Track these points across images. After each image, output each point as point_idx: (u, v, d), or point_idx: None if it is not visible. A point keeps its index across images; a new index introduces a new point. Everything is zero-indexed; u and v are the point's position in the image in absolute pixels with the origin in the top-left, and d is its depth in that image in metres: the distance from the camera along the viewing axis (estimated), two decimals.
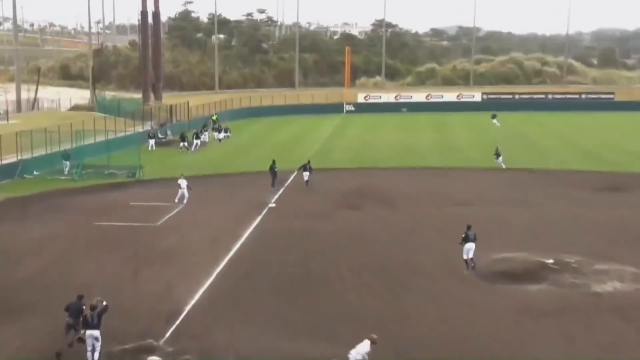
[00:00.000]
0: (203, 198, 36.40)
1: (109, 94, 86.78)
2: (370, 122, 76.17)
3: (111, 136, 52.58)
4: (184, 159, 51.93)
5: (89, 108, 77.81)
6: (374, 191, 38.68)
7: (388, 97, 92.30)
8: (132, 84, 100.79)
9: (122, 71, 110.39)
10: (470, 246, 25.03)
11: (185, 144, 55.92)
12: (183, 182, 36.02)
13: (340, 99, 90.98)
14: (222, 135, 62.61)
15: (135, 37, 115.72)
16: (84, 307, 18.54)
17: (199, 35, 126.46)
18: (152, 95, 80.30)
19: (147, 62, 79.86)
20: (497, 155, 47.54)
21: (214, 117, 70.54)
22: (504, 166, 47.02)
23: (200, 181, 40.36)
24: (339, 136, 65.57)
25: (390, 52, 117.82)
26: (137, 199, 37.06)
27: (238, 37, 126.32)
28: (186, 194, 35.77)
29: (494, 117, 71.10)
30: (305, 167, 41.16)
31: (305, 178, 40.62)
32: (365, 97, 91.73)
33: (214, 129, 64.18)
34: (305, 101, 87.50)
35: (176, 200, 35.50)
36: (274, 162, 40.92)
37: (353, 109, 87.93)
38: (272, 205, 36.10)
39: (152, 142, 56.62)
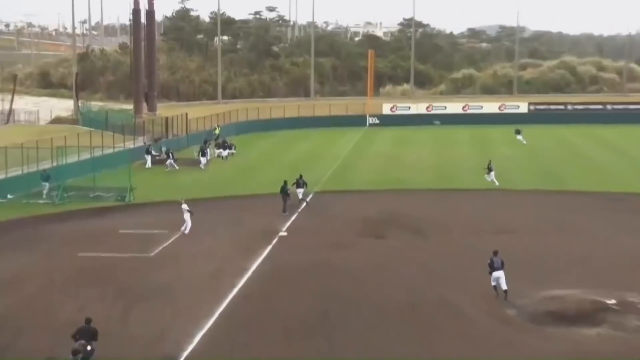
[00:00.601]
0: (204, 225, 36.47)
1: (95, 105, 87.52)
2: (398, 136, 76.22)
3: (97, 153, 52.88)
4: (181, 179, 52.13)
5: (72, 121, 78.61)
6: (401, 217, 38.72)
7: (418, 107, 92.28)
8: (122, 93, 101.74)
9: (110, 78, 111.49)
10: (497, 274, 25.55)
11: (171, 161, 56.31)
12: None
13: (362, 110, 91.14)
14: (226, 152, 62.83)
15: (126, 39, 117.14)
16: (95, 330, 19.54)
17: (200, 37, 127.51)
18: (145, 106, 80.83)
19: (139, 68, 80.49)
20: (489, 170, 48.48)
21: (216, 130, 70.87)
22: (497, 183, 48.03)
23: (201, 205, 40.41)
24: (360, 153, 65.67)
25: (420, 56, 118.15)
26: (128, 226, 37.23)
27: (244, 39, 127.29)
28: (186, 220, 35.87)
29: (518, 132, 71.10)
30: (298, 184, 41.81)
31: (300, 196, 41.65)
32: (391, 108, 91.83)
33: (217, 145, 64.26)
34: (322, 113, 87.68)
35: (186, 231, 35.57)
36: (285, 183, 41.11)
37: (377, 121, 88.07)
38: (283, 233, 36.16)
39: (149, 158, 57.13)
